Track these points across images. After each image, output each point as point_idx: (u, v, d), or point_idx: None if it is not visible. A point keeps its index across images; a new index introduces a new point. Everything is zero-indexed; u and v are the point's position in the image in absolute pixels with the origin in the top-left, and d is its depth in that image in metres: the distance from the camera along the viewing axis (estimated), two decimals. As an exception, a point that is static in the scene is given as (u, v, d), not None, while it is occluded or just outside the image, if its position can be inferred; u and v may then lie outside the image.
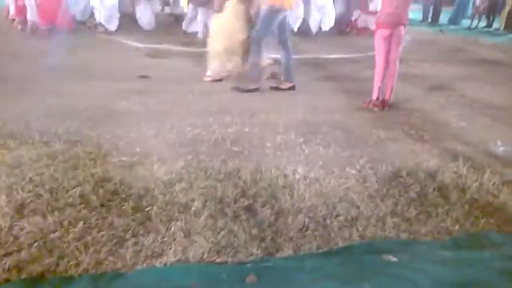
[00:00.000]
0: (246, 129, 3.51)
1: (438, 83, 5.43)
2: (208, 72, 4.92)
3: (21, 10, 7.45)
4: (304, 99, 4.43)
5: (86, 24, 7.98)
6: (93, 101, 3.92)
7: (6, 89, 4.12)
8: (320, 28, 8.81)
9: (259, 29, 4.47)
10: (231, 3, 4.63)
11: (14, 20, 7.79)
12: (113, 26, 7.75)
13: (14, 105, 3.66)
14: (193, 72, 5.31)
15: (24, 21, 7.41)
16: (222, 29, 4.73)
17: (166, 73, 5.24)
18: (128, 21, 8.19)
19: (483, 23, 12.53)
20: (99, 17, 7.67)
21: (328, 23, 8.83)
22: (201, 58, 5.36)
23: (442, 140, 3.49)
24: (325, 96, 4.62)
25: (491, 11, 12.55)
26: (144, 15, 8.18)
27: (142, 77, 4.90)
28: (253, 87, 4.59)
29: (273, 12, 4.37)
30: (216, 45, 4.81)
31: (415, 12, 12.50)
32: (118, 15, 7.82)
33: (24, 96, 3.93)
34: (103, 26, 7.68)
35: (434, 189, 2.63)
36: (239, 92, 4.54)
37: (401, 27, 3.94)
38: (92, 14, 7.96)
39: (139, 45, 6.83)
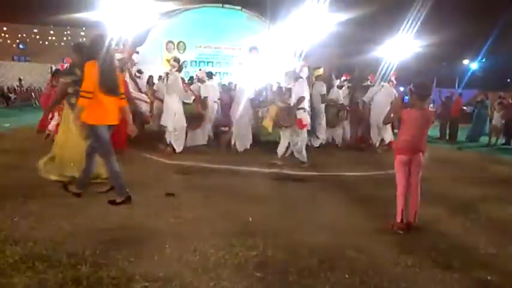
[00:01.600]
0: (269, 253, 3.49)
1: (462, 203, 5.40)
2: None
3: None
4: (327, 219, 4.44)
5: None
6: (120, 220, 4.03)
7: (40, 207, 4.29)
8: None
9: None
10: None
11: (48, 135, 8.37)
12: (180, 147, 8.00)
13: (45, 224, 3.78)
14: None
15: None
16: None
17: (191, 191, 5.39)
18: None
19: (502, 140, 12.76)
20: (170, 138, 7.88)
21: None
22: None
23: (472, 269, 3.37)
24: (348, 216, 4.63)
25: (510, 129, 12.82)
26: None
27: (169, 194, 5.05)
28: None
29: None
30: None
31: (432, 130, 12.89)
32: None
33: (55, 215, 4.07)
34: (172, 146, 7.89)
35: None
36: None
37: (420, 154, 4.08)
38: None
39: (168, 161, 7.13)
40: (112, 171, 4.55)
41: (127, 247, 3.39)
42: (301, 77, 7.46)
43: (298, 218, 4.45)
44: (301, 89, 7.22)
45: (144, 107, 8.43)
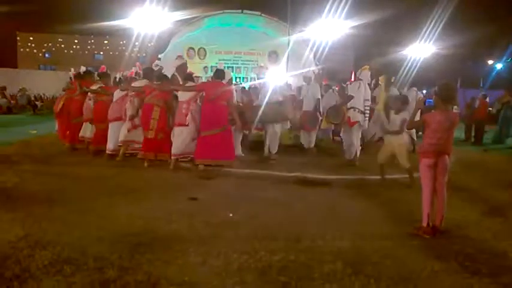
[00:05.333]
0: (292, 257, 3.48)
1: (489, 207, 5.27)
2: None
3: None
4: (350, 223, 4.40)
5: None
6: (144, 224, 4.09)
7: (66, 211, 4.40)
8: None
9: None
10: None
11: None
12: None
13: (72, 229, 3.87)
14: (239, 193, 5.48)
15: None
16: None
17: (214, 195, 5.43)
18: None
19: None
20: None
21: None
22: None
23: (501, 274, 3.28)
24: (372, 221, 4.57)
25: (536, 130, 12.48)
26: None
27: (192, 199, 5.10)
28: None
29: None
30: None
31: (457, 131, 12.63)
32: None
33: (82, 219, 4.16)
34: None
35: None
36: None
37: (446, 156, 4.00)
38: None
39: (190, 165, 7.20)
40: None
41: (152, 251, 3.43)
42: (361, 79, 7.94)
43: (321, 222, 4.42)
44: (353, 89, 7.74)
45: None
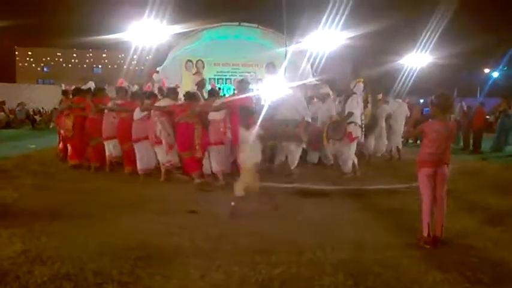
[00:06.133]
0: (293, 270, 3.46)
1: (489, 216, 5.25)
2: None
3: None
4: (350, 234, 4.38)
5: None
6: (144, 238, 4.08)
7: (66, 226, 4.39)
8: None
9: None
10: None
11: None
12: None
13: (71, 244, 3.86)
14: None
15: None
16: None
17: (214, 208, 5.41)
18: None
19: (528, 150, 12.43)
20: None
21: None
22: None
23: (502, 284, 3.27)
24: (373, 231, 4.56)
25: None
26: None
27: (192, 212, 5.09)
28: None
29: None
30: None
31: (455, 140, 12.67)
32: None
33: (81, 234, 4.15)
34: None
35: None
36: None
37: (445, 166, 4.01)
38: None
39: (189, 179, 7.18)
40: None
41: (152, 265, 3.42)
42: (355, 93, 7.84)
43: (321, 234, 4.41)
44: (352, 104, 7.67)
45: None
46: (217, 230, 4.41)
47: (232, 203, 5.01)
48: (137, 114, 7.36)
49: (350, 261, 3.66)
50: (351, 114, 7.61)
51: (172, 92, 7.68)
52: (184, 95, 7.40)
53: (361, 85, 8.13)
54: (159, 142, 7.05)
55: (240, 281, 3.22)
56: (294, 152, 7.73)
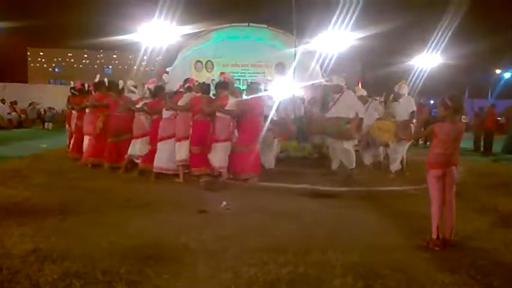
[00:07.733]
0: (302, 270, 3.46)
1: (500, 218, 5.21)
2: None
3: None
4: (360, 236, 4.37)
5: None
6: (154, 237, 4.11)
7: (76, 225, 4.43)
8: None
9: None
10: None
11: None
12: None
13: (81, 242, 3.89)
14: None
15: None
16: None
17: (223, 208, 5.42)
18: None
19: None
20: None
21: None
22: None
23: (514, 287, 3.23)
24: (382, 233, 4.54)
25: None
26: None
27: (201, 211, 5.11)
28: None
29: None
30: None
31: (466, 142, 12.54)
32: None
33: (91, 233, 4.18)
34: None
35: None
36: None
37: (453, 167, 3.98)
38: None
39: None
40: None
41: (161, 264, 3.44)
42: (404, 94, 8.09)
43: (331, 235, 4.40)
44: (411, 104, 7.97)
45: None
46: (226, 230, 4.42)
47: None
48: (165, 113, 7.36)
49: (359, 262, 3.64)
50: (414, 113, 7.83)
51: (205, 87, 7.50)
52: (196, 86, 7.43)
53: (405, 86, 8.18)
54: (185, 138, 7.03)
55: (248, 280, 3.22)
56: (348, 152, 7.75)
